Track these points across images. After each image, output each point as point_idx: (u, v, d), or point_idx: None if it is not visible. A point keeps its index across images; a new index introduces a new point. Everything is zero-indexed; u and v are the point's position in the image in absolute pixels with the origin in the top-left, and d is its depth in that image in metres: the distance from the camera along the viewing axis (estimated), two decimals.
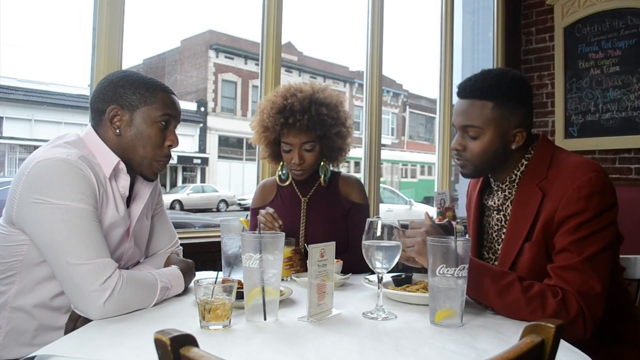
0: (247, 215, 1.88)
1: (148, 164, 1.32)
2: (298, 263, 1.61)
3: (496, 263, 1.37)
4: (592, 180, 1.19)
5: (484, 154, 1.30)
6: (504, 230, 1.36)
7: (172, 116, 1.33)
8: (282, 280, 1.56)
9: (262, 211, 1.67)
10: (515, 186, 1.34)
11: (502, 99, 1.27)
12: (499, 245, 1.39)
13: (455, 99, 1.38)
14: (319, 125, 1.73)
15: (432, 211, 3.37)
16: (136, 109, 1.29)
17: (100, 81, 1.33)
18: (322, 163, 1.85)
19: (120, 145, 1.29)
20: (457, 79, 3.73)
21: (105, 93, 1.29)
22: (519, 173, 1.34)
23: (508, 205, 1.36)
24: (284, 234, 1.16)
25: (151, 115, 1.29)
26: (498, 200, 1.38)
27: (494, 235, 1.41)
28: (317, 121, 1.73)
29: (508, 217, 1.35)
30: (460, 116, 1.32)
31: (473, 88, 1.30)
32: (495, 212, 1.41)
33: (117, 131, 1.28)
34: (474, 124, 1.29)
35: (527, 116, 1.32)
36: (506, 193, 1.36)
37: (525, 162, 1.33)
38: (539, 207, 1.25)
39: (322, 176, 1.85)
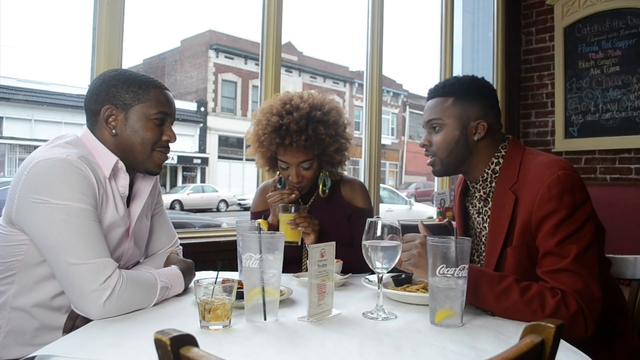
0: (262, 216, 1.84)
1: (148, 158, 1.32)
2: (303, 223, 1.62)
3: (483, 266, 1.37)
4: (561, 178, 1.20)
5: (447, 145, 1.36)
6: (485, 232, 1.39)
7: (166, 113, 1.32)
8: (294, 243, 1.61)
9: (271, 193, 1.70)
10: (489, 186, 1.36)
11: (461, 94, 1.36)
12: (484, 247, 1.39)
13: None
14: (317, 145, 1.67)
15: (432, 211, 3.37)
16: (130, 108, 1.28)
17: (93, 81, 1.33)
18: (321, 173, 1.80)
19: (118, 145, 1.29)
20: None
21: (99, 93, 1.29)
22: (489, 171, 1.36)
23: (487, 209, 1.37)
24: (284, 234, 1.17)
25: (146, 113, 1.29)
26: (478, 203, 1.41)
27: (479, 237, 1.43)
28: (315, 141, 1.66)
29: (487, 220, 1.37)
30: (425, 114, 1.42)
31: (437, 88, 1.40)
32: (475, 214, 1.43)
33: (113, 131, 1.28)
34: (436, 117, 1.37)
35: (488, 109, 1.37)
36: (481, 193, 1.39)
37: (496, 161, 1.36)
38: (513, 211, 1.26)
39: (321, 186, 1.80)
